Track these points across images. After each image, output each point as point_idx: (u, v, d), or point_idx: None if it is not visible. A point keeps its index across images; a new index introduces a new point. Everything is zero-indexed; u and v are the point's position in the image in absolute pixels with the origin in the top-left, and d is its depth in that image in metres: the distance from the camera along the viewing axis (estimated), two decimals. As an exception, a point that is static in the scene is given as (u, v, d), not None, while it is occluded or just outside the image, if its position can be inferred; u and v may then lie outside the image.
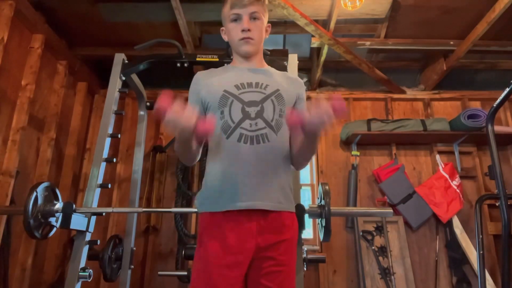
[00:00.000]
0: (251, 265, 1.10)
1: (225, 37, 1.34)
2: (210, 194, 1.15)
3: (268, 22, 1.35)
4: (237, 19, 1.24)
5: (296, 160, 1.24)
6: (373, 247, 2.84)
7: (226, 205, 1.10)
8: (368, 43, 2.96)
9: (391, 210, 1.72)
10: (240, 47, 1.26)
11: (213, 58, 2.19)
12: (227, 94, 1.19)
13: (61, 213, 1.64)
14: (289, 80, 1.32)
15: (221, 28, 1.34)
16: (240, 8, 1.22)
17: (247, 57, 1.29)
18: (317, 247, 2.90)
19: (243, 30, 1.22)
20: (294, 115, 1.04)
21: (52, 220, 1.65)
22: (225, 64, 1.39)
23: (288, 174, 1.22)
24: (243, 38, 1.23)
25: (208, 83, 1.25)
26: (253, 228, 1.09)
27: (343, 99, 1.00)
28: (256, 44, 1.26)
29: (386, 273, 2.74)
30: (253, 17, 1.23)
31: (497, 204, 2.54)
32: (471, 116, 2.90)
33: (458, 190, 2.91)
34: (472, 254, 2.74)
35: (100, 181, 1.90)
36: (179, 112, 0.95)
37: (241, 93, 1.19)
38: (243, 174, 1.11)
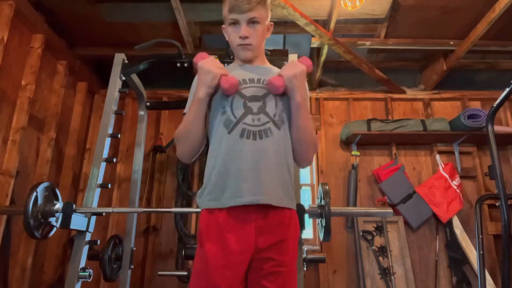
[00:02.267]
0: (251, 266, 1.09)
1: (226, 35, 1.34)
2: (211, 190, 1.14)
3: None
4: (235, 23, 1.22)
5: (297, 148, 1.22)
6: (373, 247, 2.84)
7: (227, 202, 1.09)
8: (368, 43, 2.96)
9: (391, 210, 1.72)
10: (239, 53, 1.27)
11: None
12: None
13: (61, 213, 1.64)
14: None
15: (223, 26, 1.33)
16: (238, 14, 1.19)
17: (246, 61, 1.30)
18: (317, 247, 2.90)
19: (240, 37, 1.21)
20: (272, 79, 1.18)
21: (52, 220, 1.65)
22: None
23: (290, 171, 1.21)
24: (240, 45, 1.23)
25: None
26: (252, 228, 1.09)
27: (307, 57, 1.22)
28: (255, 49, 1.26)
29: (386, 273, 2.74)
30: (252, 22, 1.21)
31: (497, 204, 2.54)
32: (471, 116, 2.90)
33: (458, 190, 2.91)
34: (472, 254, 2.74)
35: (100, 181, 1.90)
36: (212, 62, 1.19)
37: (242, 88, 1.20)
38: (245, 170, 1.11)
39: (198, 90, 1.18)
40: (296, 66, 1.19)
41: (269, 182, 1.12)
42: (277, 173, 1.14)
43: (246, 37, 1.21)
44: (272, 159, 1.14)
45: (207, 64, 1.17)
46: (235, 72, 1.25)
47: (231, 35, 1.25)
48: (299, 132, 1.20)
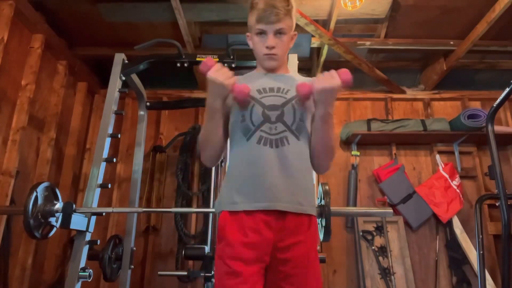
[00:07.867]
0: (269, 268, 1.11)
1: (250, 43, 1.33)
2: (230, 194, 1.17)
3: None
4: (262, 33, 1.23)
5: (317, 156, 1.24)
6: (373, 247, 2.84)
7: (245, 206, 1.12)
8: (368, 43, 2.96)
9: (391, 210, 1.72)
10: (264, 62, 1.27)
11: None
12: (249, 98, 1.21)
13: (61, 213, 1.64)
14: None
15: (247, 33, 1.33)
16: (265, 25, 1.20)
17: (270, 70, 1.30)
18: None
19: (267, 47, 1.22)
20: (303, 85, 1.14)
21: (52, 220, 1.65)
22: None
23: (309, 177, 1.23)
24: (266, 54, 1.23)
25: None
26: (271, 228, 1.10)
27: (348, 71, 1.10)
28: (280, 59, 1.27)
29: (386, 273, 2.74)
30: (279, 33, 1.21)
31: (497, 204, 2.54)
32: (471, 116, 2.90)
33: (458, 190, 2.91)
34: (472, 254, 2.74)
35: (100, 181, 1.90)
36: (221, 70, 1.13)
37: (262, 97, 1.21)
38: (263, 176, 1.13)
39: (212, 101, 1.17)
40: (330, 80, 1.10)
41: (286, 189, 1.13)
42: (295, 179, 1.16)
43: (273, 47, 1.22)
44: (289, 166, 1.15)
45: (218, 76, 1.12)
46: (257, 81, 1.27)
47: (258, 44, 1.25)
48: (321, 142, 1.21)
